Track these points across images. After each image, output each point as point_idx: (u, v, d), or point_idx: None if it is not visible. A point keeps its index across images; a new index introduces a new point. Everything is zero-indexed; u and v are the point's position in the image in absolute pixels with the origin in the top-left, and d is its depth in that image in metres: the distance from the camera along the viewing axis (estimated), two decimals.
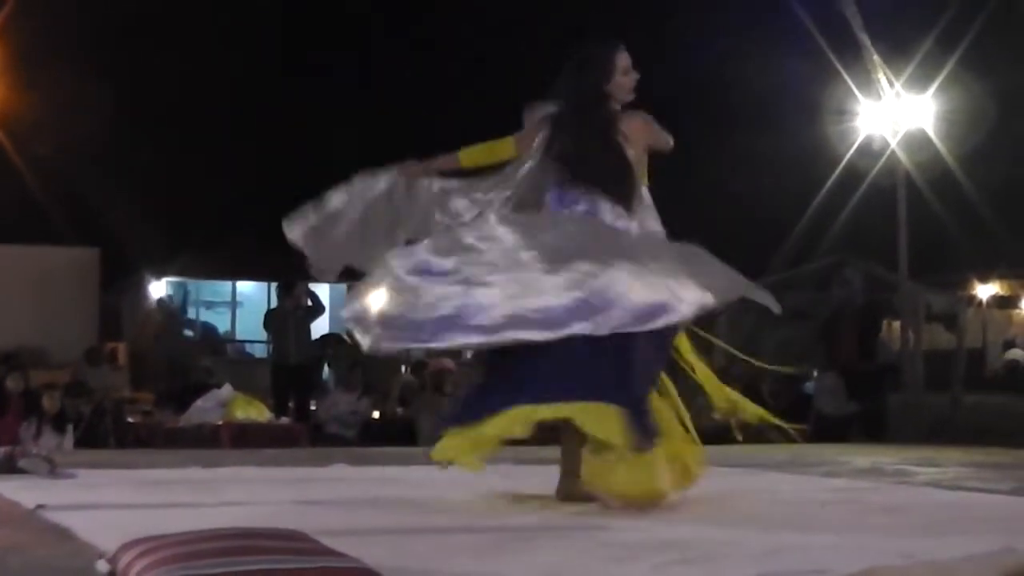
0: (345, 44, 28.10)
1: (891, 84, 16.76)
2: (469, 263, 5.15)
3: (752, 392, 15.19)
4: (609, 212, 5.37)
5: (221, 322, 29.21)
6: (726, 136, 23.31)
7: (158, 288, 27.06)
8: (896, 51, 17.15)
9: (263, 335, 19.04)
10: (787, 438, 5.93)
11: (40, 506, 4.79)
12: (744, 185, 23.56)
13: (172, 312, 22.75)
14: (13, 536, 4.15)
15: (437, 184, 5.66)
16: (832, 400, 14.20)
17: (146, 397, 16.60)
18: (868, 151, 17.42)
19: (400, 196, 5.65)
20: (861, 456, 9.04)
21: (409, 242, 5.51)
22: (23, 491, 5.38)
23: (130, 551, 3.21)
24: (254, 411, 13.41)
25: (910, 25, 18.13)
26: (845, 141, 17.99)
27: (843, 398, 14.06)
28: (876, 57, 16.54)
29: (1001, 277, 26.52)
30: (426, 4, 27.88)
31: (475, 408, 5.17)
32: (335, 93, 26.69)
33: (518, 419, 5.04)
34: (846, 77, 17.06)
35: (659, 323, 5.08)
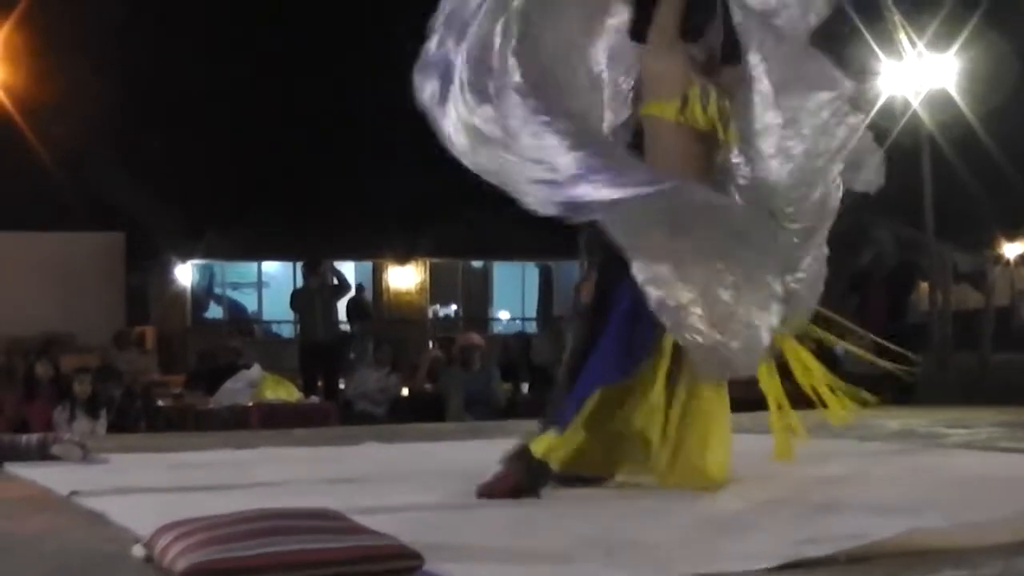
0: (367, 24, 28.06)
1: (913, 43, 16.67)
2: None
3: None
4: None
5: (248, 303, 29.33)
6: None
7: (184, 271, 27.16)
8: (918, 9, 17.04)
9: (290, 315, 19.07)
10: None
11: (74, 492, 4.80)
12: None
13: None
14: (49, 522, 4.16)
15: None
16: (860, 361, 14.18)
17: (176, 380, 16.66)
18: (890, 112, 17.33)
19: None
20: (892, 419, 8.99)
21: None
22: (57, 477, 5.40)
23: (166, 535, 3.21)
24: (283, 391, 13.43)
25: None
26: (867, 101, 17.88)
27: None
28: (897, 16, 16.44)
29: None
30: None
31: None
32: (358, 72, 26.64)
33: None
34: (868, 36, 16.95)
35: None
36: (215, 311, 28.78)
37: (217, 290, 29.06)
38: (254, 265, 28.83)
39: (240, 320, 28.22)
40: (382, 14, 27.41)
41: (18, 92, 21.34)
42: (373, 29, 27.38)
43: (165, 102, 25.77)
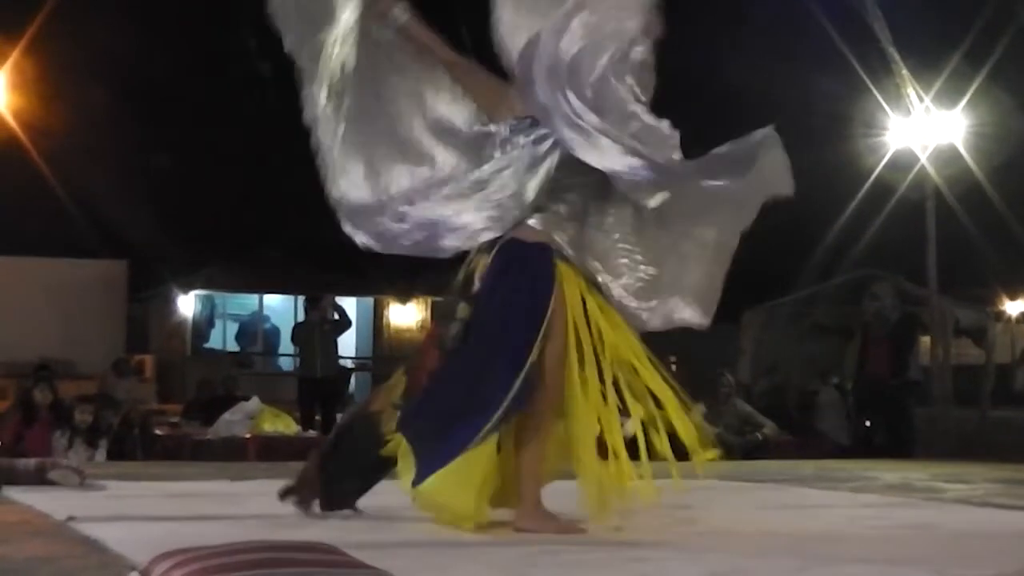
0: None
1: (920, 99, 16.73)
2: None
3: (777, 407, 15.23)
4: None
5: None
6: None
7: (185, 301, 27.13)
8: (925, 66, 17.11)
9: (290, 348, 19.02)
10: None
11: (71, 518, 4.80)
12: (772, 200, 23.52)
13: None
14: (44, 548, 4.16)
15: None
16: (834, 417, 14.30)
17: (174, 409, 16.64)
18: (897, 166, 17.38)
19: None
20: (890, 472, 8.99)
21: None
22: (53, 503, 5.40)
23: (162, 563, 3.22)
24: (281, 424, 13.42)
25: (939, 40, 18.07)
26: (874, 156, 17.94)
27: (843, 414, 14.18)
28: (905, 72, 16.52)
29: None
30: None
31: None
32: None
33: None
34: (875, 92, 17.02)
35: None
36: (215, 341, 28.68)
37: (217, 324, 28.96)
38: (255, 298, 28.77)
39: (240, 352, 28.15)
40: None
41: (26, 117, 21.39)
42: None
43: (172, 131, 25.83)
